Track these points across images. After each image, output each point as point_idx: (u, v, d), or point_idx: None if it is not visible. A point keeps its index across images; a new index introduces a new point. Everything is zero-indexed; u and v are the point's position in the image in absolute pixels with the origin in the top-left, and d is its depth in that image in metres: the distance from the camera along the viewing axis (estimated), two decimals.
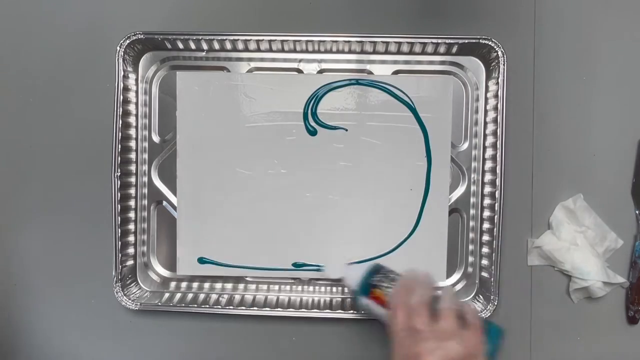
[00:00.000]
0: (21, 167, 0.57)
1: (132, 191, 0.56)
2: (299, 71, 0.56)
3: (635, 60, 0.55)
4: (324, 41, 0.54)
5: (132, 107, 0.55)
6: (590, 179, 0.55)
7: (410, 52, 0.55)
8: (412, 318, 0.43)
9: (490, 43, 0.53)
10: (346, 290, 0.56)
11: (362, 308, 0.50)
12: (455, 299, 0.45)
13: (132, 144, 0.56)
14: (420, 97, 0.54)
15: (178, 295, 0.56)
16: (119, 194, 0.53)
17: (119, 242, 0.54)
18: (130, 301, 0.54)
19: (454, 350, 0.40)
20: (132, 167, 0.56)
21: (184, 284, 0.57)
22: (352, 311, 0.54)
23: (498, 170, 0.53)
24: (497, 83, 0.53)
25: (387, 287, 0.47)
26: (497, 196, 0.53)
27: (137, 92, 0.56)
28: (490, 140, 0.54)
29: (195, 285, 0.57)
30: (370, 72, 0.55)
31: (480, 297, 0.54)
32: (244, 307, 0.54)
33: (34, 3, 0.57)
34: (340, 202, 0.55)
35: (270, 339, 0.56)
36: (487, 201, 0.55)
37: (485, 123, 0.55)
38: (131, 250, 0.56)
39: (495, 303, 0.53)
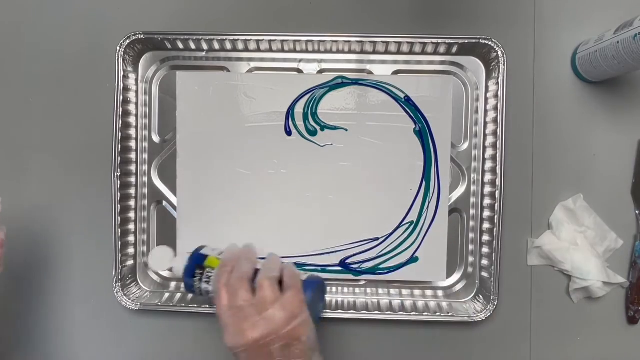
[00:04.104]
0: (21, 166, 0.57)
1: (132, 191, 0.56)
2: (299, 71, 0.56)
3: None
4: (324, 41, 0.54)
5: (132, 107, 0.55)
6: (590, 179, 0.55)
7: (410, 52, 0.55)
8: (231, 297, 0.43)
9: (490, 43, 0.53)
10: (346, 290, 0.56)
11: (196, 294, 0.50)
12: (275, 265, 0.46)
13: (132, 144, 0.56)
14: (420, 97, 0.54)
15: (178, 295, 0.56)
16: (119, 194, 0.53)
17: (119, 242, 0.54)
18: (130, 301, 0.54)
19: (275, 317, 0.41)
20: (132, 167, 0.56)
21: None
22: (352, 311, 0.54)
23: (498, 170, 0.53)
24: (497, 83, 0.53)
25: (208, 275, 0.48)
26: (497, 196, 0.53)
27: (137, 92, 0.56)
28: (490, 140, 0.54)
29: None
30: (370, 72, 0.55)
31: (480, 297, 0.54)
32: None
33: (34, 3, 0.57)
34: (340, 202, 0.55)
35: None
36: (487, 201, 0.55)
37: (485, 123, 0.55)
38: (131, 250, 0.56)
39: (495, 303, 0.53)
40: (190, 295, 0.55)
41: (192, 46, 0.55)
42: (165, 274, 0.57)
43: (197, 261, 0.49)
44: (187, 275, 0.49)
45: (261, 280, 0.43)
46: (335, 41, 0.54)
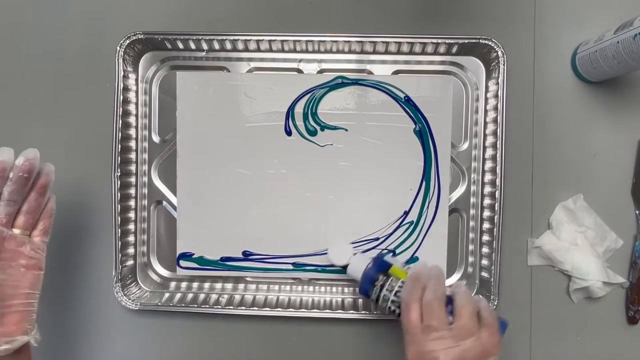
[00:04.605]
0: None
1: (132, 191, 0.56)
2: (299, 71, 0.56)
3: None
4: (324, 41, 0.54)
5: (132, 107, 0.55)
6: (590, 179, 0.55)
7: (410, 52, 0.55)
8: (427, 315, 0.42)
9: (490, 43, 0.53)
10: (346, 290, 0.56)
11: (366, 299, 0.49)
12: (470, 295, 0.44)
13: (132, 144, 0.56)
14: (420, 97, 0.54)
15: (178, 295, 0.56)
16: (119, 194, 0.53)
17: (119, 242, 0.54)
18: (130, 301, 0.54)
19: (471, 350, 0.40)
20: (132, 167, 0.56)
21: (184, 284, 0.57)
22: (352, 311, 0.54)
23: (498, 170, 0.53)
24: (497, 83, 0.53)
25: (391, 287, 0.47)
26: (497, 196, 0.53)
27: (137, 92, 0.56)
28: (490, 140, 0.54)
29: (195, 285, 0.57)
30: (370, 72, 0.55)
31: (480, 297, 0.54)
32: (244, 307, 0.54)
33: (34, 3, 0.57)
34: (340, 202, 0.55)
35: (270, 339, 0.56)
36: (487, 201, 0.55)
37: (485, 123, 0.55)
38: (131, 250, 0.56)
39: (495, 303, 0.53)
40: (190, 296, 0.55)
41: (192, 46, 0.55)
42: (166, 273, 0.57)
43: (381, 267, 0.48)
44: (367, 279, 0.48)
45: (463, 308, 0.42)
46: (335, 41, 0.54)
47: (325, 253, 0.54)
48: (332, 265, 0.54)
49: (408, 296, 0.44)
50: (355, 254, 0.53)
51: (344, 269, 0.53)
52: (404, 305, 0.44)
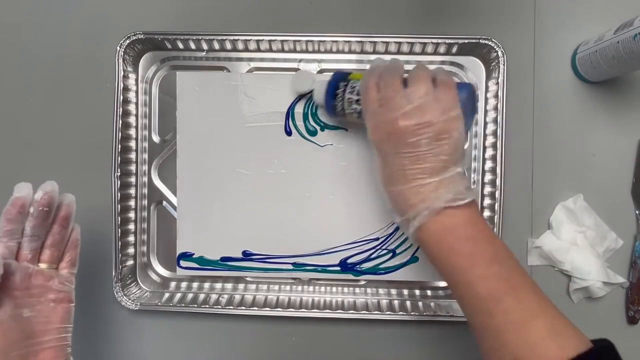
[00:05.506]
0: (21, 167, 0.57)
1: (132, 191, 0.56)
2: None
3: None
4: (324, 41, 0.54)
5: (132, 107, 0.55)
6: (590, 179, 0.55)
7: (410, 52, 0.55)
8: (382, 89, 0.41)
9: (490, 43, 0.53)
10: (346, 290, 0.56)
11: (332, 115, 0.50)
12: (426, 68, 0.43)
13: (132, 144, 0.56)
14: None
15: (178, 295, 0.56)
16: (119, 194, 0.54)
17: (119, 242, 0.54)
18: (130, 301, 0.54)
19: (428, 106, 0.39)
20: (132, 167, 0.56)
21: (184, 284, 0.57)
22: (352, 311, 0.54)
23: (498, 170, 0.53)
24: (497, 83, 0.53)
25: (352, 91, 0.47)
26: (497, 196, 0.53)
27: (137, 92, 0.56)
28: (490, 140, 0.54)
29: (195, 285, 0.57)
30: None
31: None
32: (244, 307, 0.54)
33: (33, 4, 0.57)
34: (340, 202, 0.55)
35: (270, 339, 0.56)
36: (487, 201, 0.55)
37: (485, 123, 0.55)
38: (131, 250, 0.56)
39: None
40: (190, 296, 0.55)
41: (192, 46, 0.55)
42: (166, 273, 0.57)
43: (340, 78, 0.48)
44: (330, 91, 0.48)
45: (415, 74, 0.41)
46: (335, 41, 0.54)
47: (326, 253, 0.54)
48: (331, 265, 0.55)
49: (364, 82, 0.44)
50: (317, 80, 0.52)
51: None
52: (362, 90, 0.44)
